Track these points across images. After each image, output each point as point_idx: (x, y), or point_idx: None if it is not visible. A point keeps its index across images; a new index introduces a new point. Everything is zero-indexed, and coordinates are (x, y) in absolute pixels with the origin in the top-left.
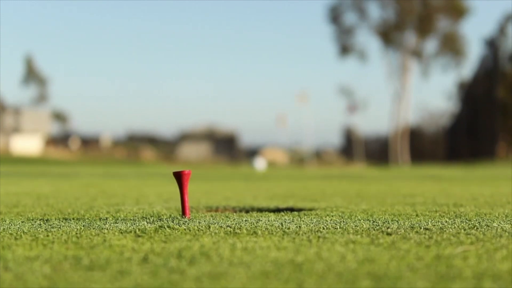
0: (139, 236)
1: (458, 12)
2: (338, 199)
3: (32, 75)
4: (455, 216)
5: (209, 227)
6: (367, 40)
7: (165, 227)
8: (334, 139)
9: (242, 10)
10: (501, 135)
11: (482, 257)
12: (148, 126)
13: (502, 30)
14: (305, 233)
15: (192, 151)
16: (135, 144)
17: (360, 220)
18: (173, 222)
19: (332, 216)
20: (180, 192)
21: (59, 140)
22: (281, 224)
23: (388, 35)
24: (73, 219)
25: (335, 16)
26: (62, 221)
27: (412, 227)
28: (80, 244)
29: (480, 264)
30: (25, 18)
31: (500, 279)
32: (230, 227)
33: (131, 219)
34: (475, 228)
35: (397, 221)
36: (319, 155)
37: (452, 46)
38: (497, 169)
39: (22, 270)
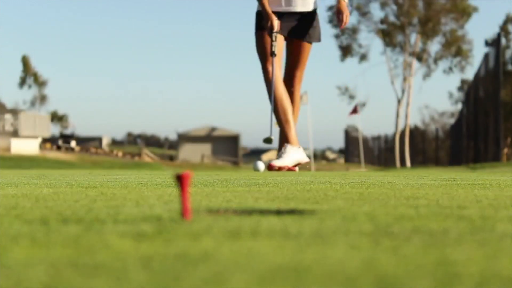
0: (139, 238)
1: (463, 13)
2: (340, 201)
3: (30, 76)
4: (459, 218)
5: (210, 229)
6: (369, 40)
7: (165, 229)
8: (336, 141)
9: (244, 11)
10: (505, 138)
11: (486, 260)
12: (148, 128)
13: (505, 30)
14: (306, 236)
15: (192, 153)
16: (135, 145)
17: (362, 223)
18: (173, 225)
19: (334, 218)
20: (180, 194)
21: (59, 142)
22: (283, 226)
23: (391, 36)
24: (72, 221)
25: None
26: (61, 224)
27: (415, 229)
28: (79, 247)
29: (484, 267)
30: (24, 21)
31: (506, 282)
32: (231, 229)
33: (131, 222)
34: (479, 230)
35: (400, 224)
36: (320, 157)
37: (456, 48)
38: (501, 172)
39: (19, 273)
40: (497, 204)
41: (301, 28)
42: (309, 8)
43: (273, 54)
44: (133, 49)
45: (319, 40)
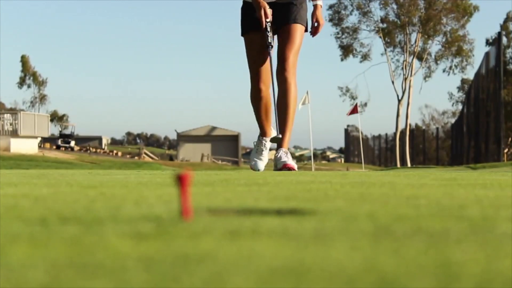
0: (138, 239)
1: (464, 13)
2: (340, 201)
3: (30, 76)
4: (460, 218)
5: (210, 229)
6: (370, 39)
7: (165, 230)
8: (336, 141)
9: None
10: (506, 138)
11: (487, 261)
12: (147, 127)
13: (506, 29)
14: (306, 236)
15: (192, 153)
16: (135, 145)
17: (363, 223)
18: (173, 225)
19: (335, 219)
20: (180, 194)
21: (58, 142)
22: (283, 226)
23: (391, 35)
24: (72, 221)
25: (337, 15)
26: (61, 224)
27: (416, 229)
28: (78, 247)
29: (485, 267)
30: (24, 21)
31: (507, 283)
32: (231, 229)
33: (130, 222)
34: (480, 230)
35: (400, 224)
36: (321, 157)
37: (457, 47)
38: (502, 171)
39: (19, 274)
40: (498, 204)
41: (289, 13)
42: None
43: (269, 45)
44: (132, 49)
45: (306, 26)
